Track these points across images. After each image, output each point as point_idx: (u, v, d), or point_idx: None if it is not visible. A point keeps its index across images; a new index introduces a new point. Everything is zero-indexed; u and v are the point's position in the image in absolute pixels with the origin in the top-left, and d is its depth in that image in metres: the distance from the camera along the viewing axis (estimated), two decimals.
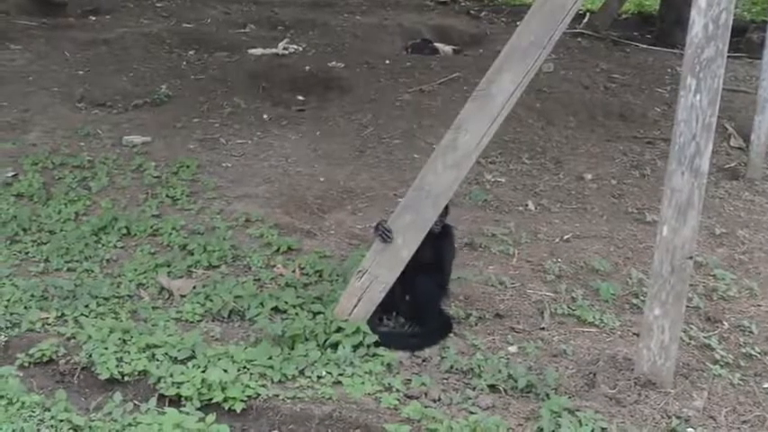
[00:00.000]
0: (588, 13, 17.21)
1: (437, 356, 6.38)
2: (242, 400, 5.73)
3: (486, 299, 7.29)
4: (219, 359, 6.09)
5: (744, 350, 6.72)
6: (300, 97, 12.32)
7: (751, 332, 6.98)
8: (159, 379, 5.89)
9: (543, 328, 6.92)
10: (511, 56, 6.07)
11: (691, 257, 5.87)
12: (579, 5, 6.03)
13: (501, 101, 6.09)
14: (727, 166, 10.67)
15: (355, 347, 6.26)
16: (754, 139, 10.37)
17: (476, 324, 6.91)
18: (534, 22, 6.03)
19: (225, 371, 5.91)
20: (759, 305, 7.42)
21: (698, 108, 5.61)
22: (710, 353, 6.66)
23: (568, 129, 11.50)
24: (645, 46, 15.47)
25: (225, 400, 5.72)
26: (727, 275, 7.81)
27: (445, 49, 14.93)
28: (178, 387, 5.80)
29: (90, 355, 6.17)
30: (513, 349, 6.60)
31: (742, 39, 15.25)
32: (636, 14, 18.30)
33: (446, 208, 6.58)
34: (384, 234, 6.35)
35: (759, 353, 6.69)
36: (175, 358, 6.13)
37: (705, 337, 6.85)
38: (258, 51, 14.07)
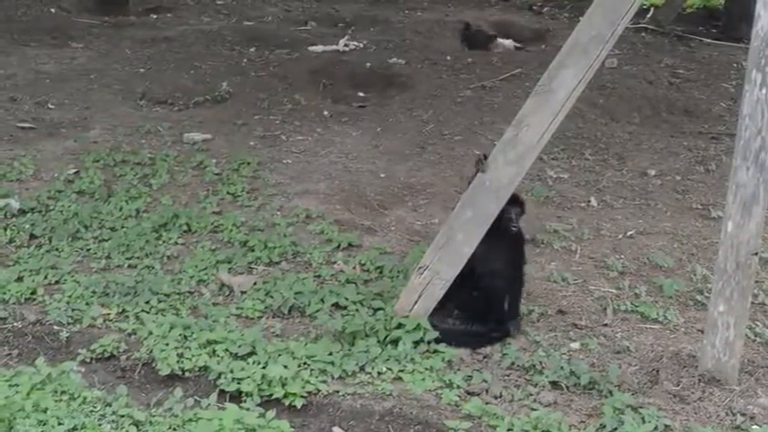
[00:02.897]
0: (652, 8, 17.04)
1: (498, 353, 6.34)
2: (302, 396, 5.72)
3: (548, 295, 7.24)
4: (280, 355, 6.08)
5: None
6: (361, 94, 12.30)
7: None
8: (220, 375, 5.89)
9: (606, 325, 6.86)
10: (572, 51, 6.03)
11: (756, 253, 5.81)
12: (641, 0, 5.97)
13: (562, 96, 6.05)
14: None
15: (416, 344, 6.23)
16: None
17: (537, 320, 6.86)
18: (596, 17, 5.99)
19: (285, 367, 5.90)
20: None
21: (763, 102, 5.55)
22: None
23: (632, 124, 11.40)
24: (710, 41, 15.31)
25: (285, 395, 5.72)
26: None
27: (505, 42, 14.82)
28: (238, 383, 5.80)
29: (151, 351, 6.19)
30: (575, 346, 6.54)
31: None
32: (701, 9, 18.08)
33: (522, 205, 6.60)
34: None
35: None
36: (236, 354, 6.13)
37: None
38: (319, 48, 14.08)
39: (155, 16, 16.57)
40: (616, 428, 5.53)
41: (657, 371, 6.20)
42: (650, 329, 6.83)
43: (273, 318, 6.79)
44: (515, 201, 6.55)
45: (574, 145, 10.54)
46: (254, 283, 7.19)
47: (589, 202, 9.12)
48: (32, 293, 6.98)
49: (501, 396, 5.87)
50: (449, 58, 13.63)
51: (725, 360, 6.00)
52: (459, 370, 6.10)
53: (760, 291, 7.35)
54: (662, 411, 5.69)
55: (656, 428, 5.53)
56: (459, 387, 5.90)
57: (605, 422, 5.58)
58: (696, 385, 6.01)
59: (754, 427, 5.68)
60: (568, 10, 17.46)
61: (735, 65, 13.67)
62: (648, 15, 16.39)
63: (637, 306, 7.11)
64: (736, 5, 15.68)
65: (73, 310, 6.77)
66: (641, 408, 5.69)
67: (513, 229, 6.56)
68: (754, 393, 6.00)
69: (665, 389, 6.00)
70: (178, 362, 6.06)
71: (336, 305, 6.82)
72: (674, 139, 10.98)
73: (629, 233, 8.43)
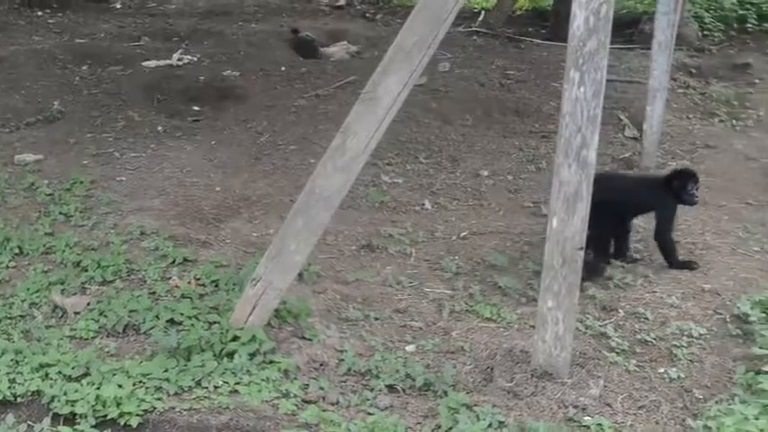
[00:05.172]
0: (483, 11, 17.28)
1: (335, 359, 6.37)
2: (138, 415, 5.69)
3: (384, 299, 7.33)
4: (114, 375, 6.02)
5: (639, 337, 6.83)
6: (196, 107, 12.18)
7: (646, 318, 7.07)
8: (53, 398, 5.81)
9: (441, 326, 6.95)
10: (395, 57, 6.08)
11: (581, 248, 5.94)
12: (461, 4, 6.06)
13: (387, 102, 6.09)
14: (623, 155, 10.79)
15: (252, 355, 6.22)
16: (646, 128, 10.50)
17: (374, 325, 6.92)
18: (417, 23, 6.05)
19: (120, 386, 5.85)
20: (654, 292, 7.51)
21: (582, 101, 5.70)
22: (606, 341, 6.76)
23: (465, 127, 11.55)
24: (539, 41, 15.55)
25: (120, 415, 5.67)
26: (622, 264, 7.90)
27: (334, 49, 14.91)
28: (72, 405, 5.73)
29: None
30: (410, 348, 6.63)
31: (635, 30, 15.40)
32: (530, 10, 18.39)
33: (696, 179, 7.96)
34: None
35: (654, 339, 6.80)
36: (69, 376, 6.05)
37: (601, 326, 6.94)
38: (152, 63, 13.92)
39: None
40: (451, 428, 5.62)
41: (491, 368, 6.31)
42: (485, 328, 6.95)
43: (108, 337, 6.72)
44: (693, 175, 8.00)
45: (408, 149, 10.64)
46: (88, 304, 7.10)
47: (423, 205, 9.23)
48: None
49: (338, 402, 5.92)
50: (283, 68, 13.61)
51: (556, 354, 6.12)
52: (295, 379, 6.12)
53: (590, 284, 7.52)
54: (496, 408, 5.80)
55: (490, 425, 5.63)
56: (295, 396, 5.94)
57: (441, 422, 5.67)
58: (529, 380, 6.12)
59: (586, 418, 5.82)
60: (401, 16, 17.54)
61: (562, 64, 13.79)
62: (480, 19, 16.60)
63: (471, 306, 7.25)
64: (563, 6, 15.84)
65: None
66: (476, 406, 5.79)
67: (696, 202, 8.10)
68: (586, 385, 6.13)
69: (499, 386, 6.10)
70: (10, 387, 5.96)
71: (172, 321, 6.75)
72: (506, 140, 11.17)
73: (462, 234, 8.56)
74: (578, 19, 5.68)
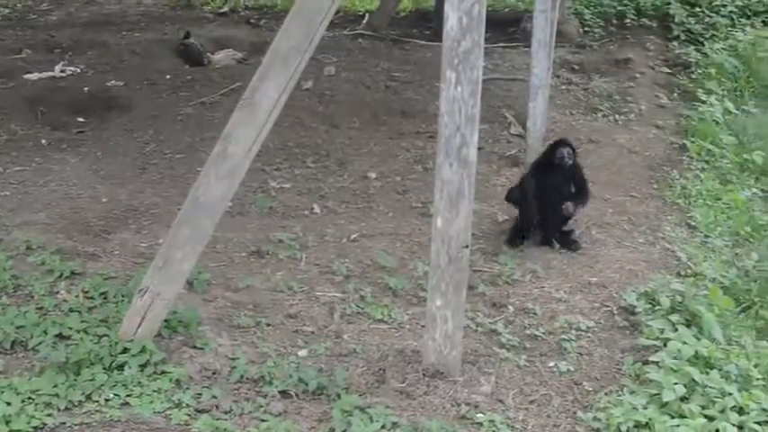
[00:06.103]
0: (367, 14, 17.30)
1: (227, 367, 6.35)
2: None
3: (275, 305, 7.32)
4: (2, 392, 5.92)
5: (529, 332, 6.95)
6: (80, 119, 12.00)
7: (535, 314, 7.20)
8: None
9: (333, 330, 6.97)
10: (273, 62, 6.09)
11: (466, 246, 6.00)
12: (336, 7, 6.08)
13: (267, 108, 6.10)
14: (509, 153, 10.92)
15: (142, 367, 6.19)
16: (530, 125, 10.65)
17: (266, 331, 6.92)
18: (293, 27, 6.06)
19: (8, 404, 5.77)
20: (542, 287, 7.65)
21: (460, 100, 5.76)
22: (497, 337, 6.86)
23: (352, 129, 11.58)
24: (423, 42, 15.60)
25: None
26: (510, 260, 7.99)
27: (219, 56, 14.82)
28: None
29: None
30: (303, 353, 6.63)
31: (517, 28, 15.55)
32: (413, 12, 18.44)
33: (572, 147, 8.59)
34: None
35: (543, 333, 6.92)
36: None
37: (491, 323, 7.04)
38: (34, 76, 13.70)
39: None
40: (345, 431, 5.64)
41: (384, 370, 6.35)
42: (376, 329, 6.99)
43: None
44: (563, 143, 8.61)
45: (296, 154, 10.64)
46: None
47: (312, 209, 9.24)
48: None
49: (231, 411, 5.91)
50: (168, 76, 13.50)
51: (446, 353, 6.19)
52: (188, 389, 6.09)
53: (480, 281, 7.61)
54: (389, 409, 5.85)
55: (383, 427, 5.68)
56: (188, 406, 5.91)
57: (334, 426, 5.69)
58: (421, 380, 6.19)
59: (479, 415, 5.89)
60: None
61: None
62: (364, 21, 16.62)
63: (363, 308, 7.28)
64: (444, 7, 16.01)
65: None
66: (369, 408, 5.83)
67: (568, 162, 8.47)
68: (477, 382, 6.22)
69: (391, 387, 6.15)
70: None
71: (60, 335, 6.65)
72: (393, 141, 11.21)
73: (352, 237, 8.58)
74: (451, 19, 5.75)
